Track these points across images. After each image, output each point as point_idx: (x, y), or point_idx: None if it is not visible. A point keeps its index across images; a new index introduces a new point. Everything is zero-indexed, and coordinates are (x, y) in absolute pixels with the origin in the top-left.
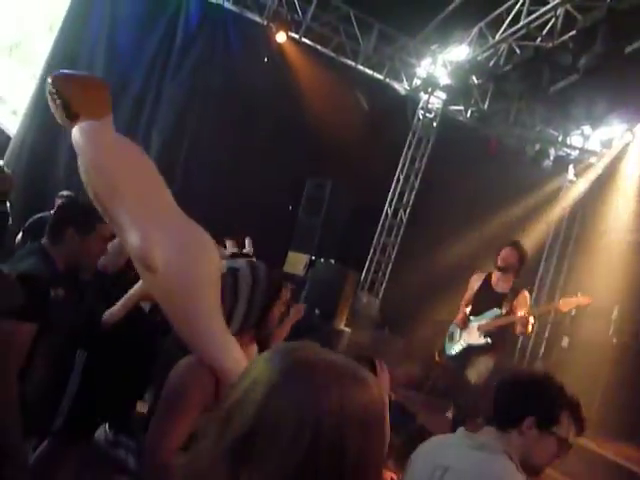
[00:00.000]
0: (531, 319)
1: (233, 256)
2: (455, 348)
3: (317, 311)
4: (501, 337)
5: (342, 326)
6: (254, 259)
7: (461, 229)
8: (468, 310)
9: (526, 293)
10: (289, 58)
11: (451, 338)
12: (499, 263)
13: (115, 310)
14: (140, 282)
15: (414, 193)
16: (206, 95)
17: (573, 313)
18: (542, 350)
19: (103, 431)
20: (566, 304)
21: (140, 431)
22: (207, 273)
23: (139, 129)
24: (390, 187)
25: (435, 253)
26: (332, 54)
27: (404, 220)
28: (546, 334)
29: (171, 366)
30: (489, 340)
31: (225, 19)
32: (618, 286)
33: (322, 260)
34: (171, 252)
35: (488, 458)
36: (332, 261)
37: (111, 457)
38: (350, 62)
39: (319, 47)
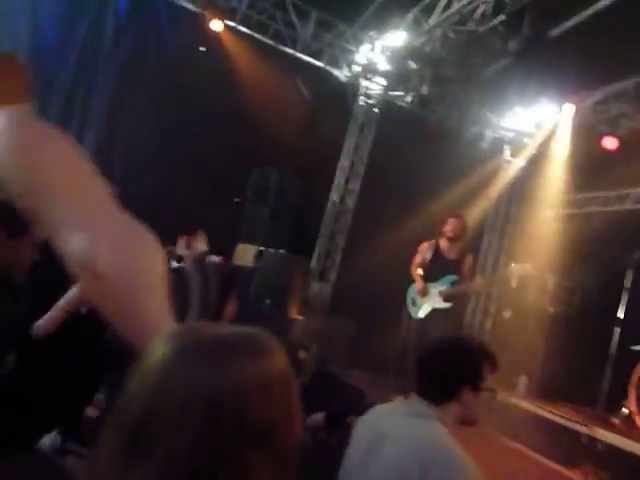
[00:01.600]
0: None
1: (198, 255)
2: (422, 311)
3: (268, 301)
4: (460, 302)
5: (294, 314)
6: (210, 255)
7: (406, 210)
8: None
9: (472, 258)
10: (227, 47)
11: (414, 303)
12: (448, 233)
13: (47, 320)
14: (75, 288)
15: (359, 179)
16: (140, 89)
17: (514, 285)
18: (489, 323)
19: (50, 438)
20: (516, 271)
21: (90, 436)
22: (154, 273)
23: (71, 128)
24: (335, 174)
25: (383, 236)
26: (270, 42)
27: (351, 206)
28: (491, 308)
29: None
30: (450, 304)
31: (156, 7)
32: (553, 258)
33: (271, 250)
34: (116, 255)
35: (423, 425)
36: (282, 251)
37: (56, 466)
38: (289, 50)
39: (257, 35)
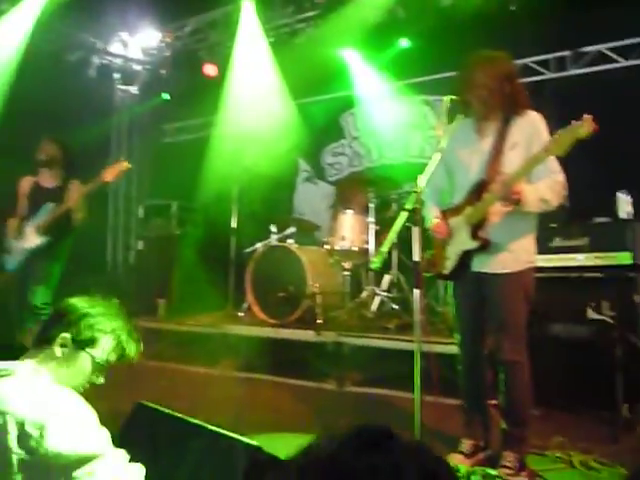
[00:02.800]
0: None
1: None
2: (14, 260)
3: None
4: (62, 232)
5: None
6: None
7: None
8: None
9: (77, 182)
10: None
11: (8, 251)
12: (42, 158)
13: None
14: None
15: None
16: None
17: (141, 216)
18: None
19: None
20: (109, 174)
21: None
22: None
23: None
24: None
25: None
26: None
27: None
28: (130, 241)
29: None
30: (48, 238)
31: None
32: (176, 183)
33: None
34: None
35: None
36: None
37: None
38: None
39: None
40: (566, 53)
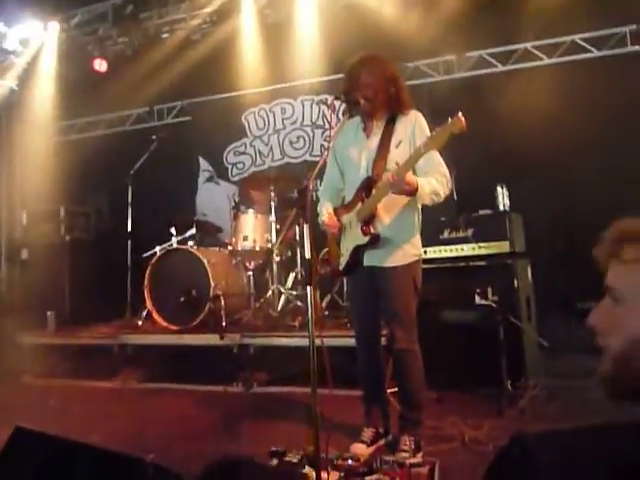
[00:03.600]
0: None
1: None
2: None
3: None
4: None
5: None
6: None
7: None
8: None
9: None
10: None
11: None
12: None
13: None
14: None
15: None
16: None
17: (25, 222)
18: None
19: None
20: None
21: None
22: None
23: None
24: None
25: None
26: None
27: None
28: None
29: None
30: None
31: None
32: (62, 185)
33: None
34: None
35: None
36: None
37: None
38: None
39: None
40: (452, 57)
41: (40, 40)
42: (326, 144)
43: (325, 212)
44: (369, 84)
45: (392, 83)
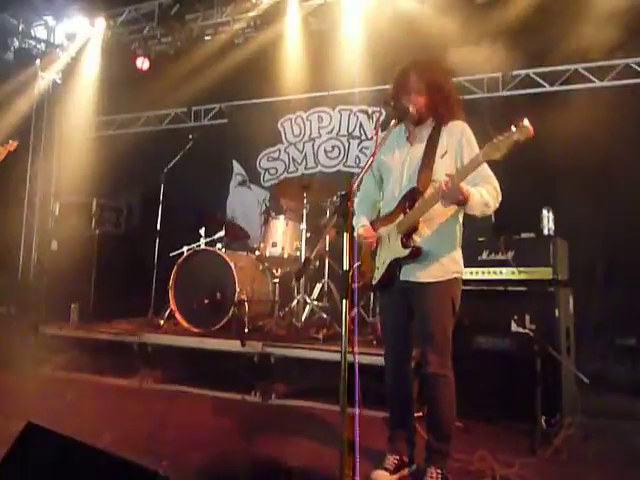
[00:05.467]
0: None
1: None
2: None
3: None
4: None
5: None
6: None
7: None
8: None
9: None
10: None
11: None
12: None
13: None
14: None
15: None
16: None
17: (57, 214)
18: (34, 259)
19: None
20: None
21: None
22: None
23: None
24: None
25: None
26: None
27: None
28: (37, 241)
29: None
30: None
31: None
32: (96, 180)
33: None
34: None
35: None
36: None
37: None
38: None
39: None
40: (498, 75)
41: (86, 35)
42: (371, 149)
43: (362, 223)
44: (418, 89)
45: (442, 89)
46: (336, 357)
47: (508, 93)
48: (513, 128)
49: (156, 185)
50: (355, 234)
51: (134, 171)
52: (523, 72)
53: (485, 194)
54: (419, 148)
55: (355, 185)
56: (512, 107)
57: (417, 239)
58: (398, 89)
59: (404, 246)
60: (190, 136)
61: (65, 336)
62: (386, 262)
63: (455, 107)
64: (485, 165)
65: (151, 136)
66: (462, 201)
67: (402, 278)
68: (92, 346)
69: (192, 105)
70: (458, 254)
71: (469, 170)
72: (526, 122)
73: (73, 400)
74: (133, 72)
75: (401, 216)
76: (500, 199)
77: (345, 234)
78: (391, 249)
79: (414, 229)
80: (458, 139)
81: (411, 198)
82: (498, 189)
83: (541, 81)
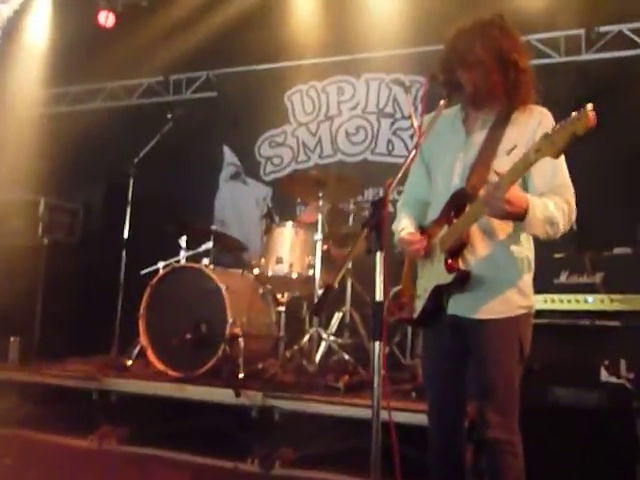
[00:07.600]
0: None
1: None
2: None
3: None
4: None
5: None
6: None
7: None
8: None
9: None
10: None
11: None
12: None
13: None
14: None
15: None
16: None
17: None
18: None
19: None
20: None
21: None
22: None
23: None
24: None
25: None
26: None
27: None
28: None
29: None
30: None
31: None
32: (44, 171)
33: None
34: None
35: None
36: None
37: None
38: None
39: None
40: (580, 32)
41: None
42: (409, 140)
43: (403, 225)
44: (480, 61)
45: (513, 64)
46: (362, 414)
47: (592, 57)
48: (574, 114)
49: (123, 180)
50: (395, 241)
51: (94, 161)
52: (614, 28)
53: (552, 208)
54: (479, 138)
55: (392, 186)
56: (597, 77)
57: (468, 260)
58: (451, 58)
59: (448, 269)
60: (168, 114)
61: (1, 380)
62: (428, 289)
63: (529, 87)
64: (560, 168)
65: (117, 114)
66: (515, 214)
67: (450, 312)
68: (37, 393)
69: (170, 73)
70: (526, 283)
71: (520, 172)
72: (589, 107)
73: (11, 466)
74: (94, 30)
75: (445, 227)
76: (574, 217)
77: (379, 253)
78: (434, 272)
79: (462, 245)
80: (532, 131)
81: (458, 204)
82: (572, 203)
83: (638, 40)
